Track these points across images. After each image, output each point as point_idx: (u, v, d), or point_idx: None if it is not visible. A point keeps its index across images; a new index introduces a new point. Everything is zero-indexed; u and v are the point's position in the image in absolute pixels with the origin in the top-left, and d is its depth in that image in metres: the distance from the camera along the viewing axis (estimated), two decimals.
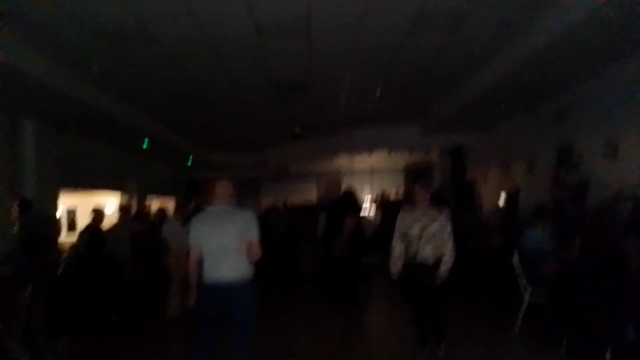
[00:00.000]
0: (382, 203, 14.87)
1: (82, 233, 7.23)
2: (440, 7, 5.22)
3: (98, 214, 7.43)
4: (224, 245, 3.49)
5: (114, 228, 7.57)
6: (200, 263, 3.55)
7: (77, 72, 6.57)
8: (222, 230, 3.51)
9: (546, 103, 8.28)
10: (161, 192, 13.86)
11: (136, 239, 6.88)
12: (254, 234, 3.57)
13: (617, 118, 6.55)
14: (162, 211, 9.20)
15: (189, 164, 13.70)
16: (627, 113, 6.34)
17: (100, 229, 7.38)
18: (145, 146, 10.15)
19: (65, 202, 10.16)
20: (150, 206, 12.18)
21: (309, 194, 17.02)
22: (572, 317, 4.30)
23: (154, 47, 5.96)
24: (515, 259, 5.21)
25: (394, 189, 16.78)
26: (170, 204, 13.61)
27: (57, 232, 8.61)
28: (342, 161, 15.20)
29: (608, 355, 3.86)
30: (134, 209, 11.14)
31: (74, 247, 7.16)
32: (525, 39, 5.99)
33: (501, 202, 9.94)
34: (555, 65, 6.34)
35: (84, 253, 6.86)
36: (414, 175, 15.93)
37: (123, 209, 8.18)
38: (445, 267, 4.29)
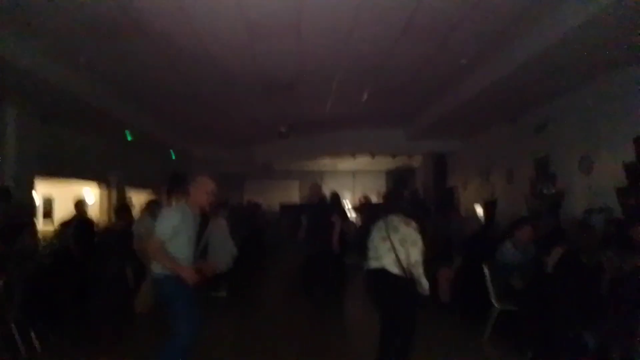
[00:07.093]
0: (364, 206, 14.97)
1: (65, 224, 7.12)
2: (429, 17, 5.34)
3: (81, 205, 7.37)
4: None
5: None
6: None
7: (66, 63, 6.51)
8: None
9: (527, 114, 8.50)
10: (144, 185, 13.72)
11: (116, 237, 6.76)
12: None
13: (594, 133, 6.77)
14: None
15: (173, 157, 13.59)
16: (603, 128, 6.57)
17: (88, 220, 7.31)
18: (129, 138, 10.06)
19: (42, 191, 10.02)
20: (130, 199, 12.05)
21: (292, 192, 17.09)
22: (539, 326, 4.43)
23: (144, 42, 5.95)
24: (486, 268, 5.27)
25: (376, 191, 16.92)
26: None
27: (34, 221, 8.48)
28: (325, 161, 15.31)
29: None
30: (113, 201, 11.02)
31: (57, 237, 7.05)
32: (509, 52, 6.17)
33: (479, 210, 10.14)
34: (537, 78, 6.52)
35: (72, 244, 6.77)
36: (396, 178, 16.11)
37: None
38: None
